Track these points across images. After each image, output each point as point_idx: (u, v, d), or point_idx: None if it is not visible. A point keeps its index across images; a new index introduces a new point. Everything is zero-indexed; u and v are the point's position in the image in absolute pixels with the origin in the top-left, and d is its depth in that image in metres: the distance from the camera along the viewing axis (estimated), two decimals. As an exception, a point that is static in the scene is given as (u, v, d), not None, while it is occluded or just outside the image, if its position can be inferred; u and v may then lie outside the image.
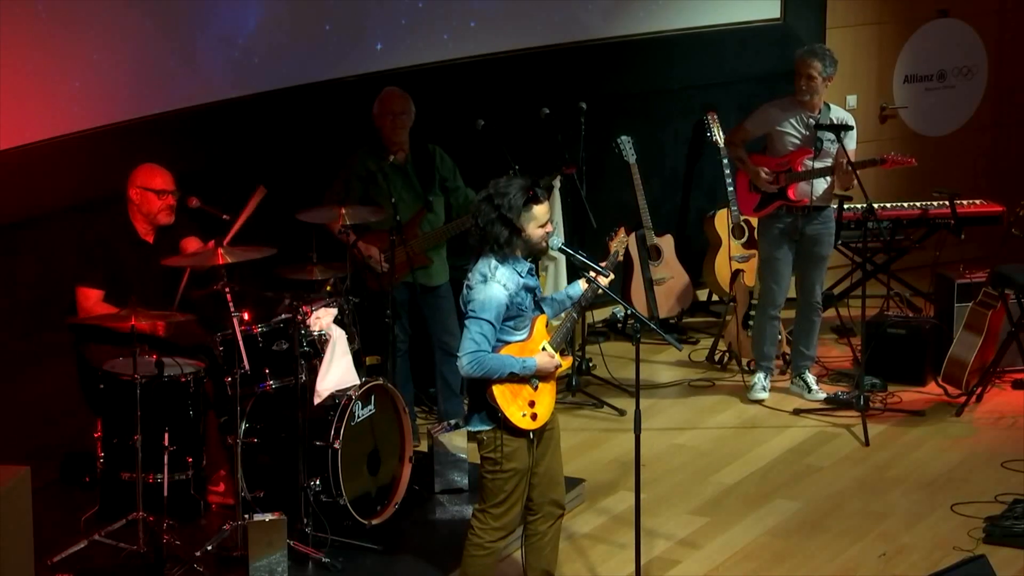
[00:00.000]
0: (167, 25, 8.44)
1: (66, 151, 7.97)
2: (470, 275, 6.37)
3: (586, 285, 6.60)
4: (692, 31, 10.99)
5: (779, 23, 11.30)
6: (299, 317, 7.33)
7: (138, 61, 8.30)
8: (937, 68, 11.90)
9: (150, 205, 7.74)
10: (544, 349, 6.42)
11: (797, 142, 9.15)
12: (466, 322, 6.31)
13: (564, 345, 6.54)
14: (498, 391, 6.32)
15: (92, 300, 7.57)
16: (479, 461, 6.54)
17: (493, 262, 6.33)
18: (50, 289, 7.93)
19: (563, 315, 6.62)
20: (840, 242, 10.17)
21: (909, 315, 10.25)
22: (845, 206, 9.72)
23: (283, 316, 7.49)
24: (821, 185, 9.12)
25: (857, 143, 9.33)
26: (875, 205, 9.33)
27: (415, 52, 9.64)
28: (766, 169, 9.16)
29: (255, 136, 8.92)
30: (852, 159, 9.01)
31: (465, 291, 6.37)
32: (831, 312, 10.46)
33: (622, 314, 10.59)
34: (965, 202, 10.38)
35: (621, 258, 6.84)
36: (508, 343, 6.36)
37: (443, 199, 8.59)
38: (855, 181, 8.95)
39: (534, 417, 6.40)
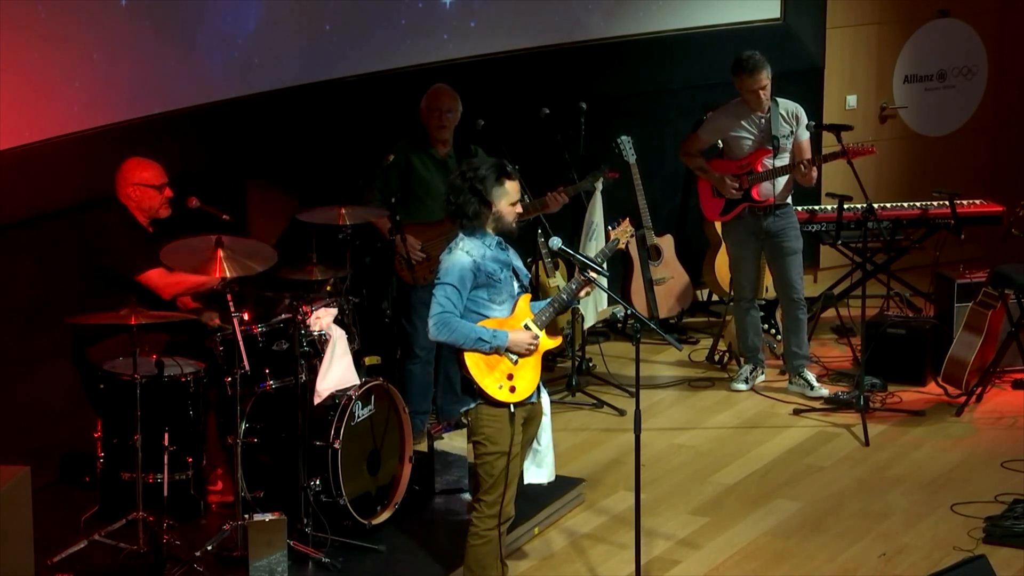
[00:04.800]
0: (167, 25, 8.43)
1: (66, 151, 7.96)
2: None
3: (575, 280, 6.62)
4: (692, 31, 11.00)
5: (779, 23, 11.30)
6: (299, 317, 7.33)
7: (138, 61, 8.30)
8: (937, 68, 11.90)
9: (151, 200, 7.72)
10: (526, 327, 6.44)
11: (753, 143, 9.20)
12: (433, 290, 6.41)
13: (559, 325, 6.54)
14: (472, 361, 6.35)
15: (158, 275, 7.52)
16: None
17: (460, 235, 6.45)
18: (50, 289, 7.93)
19: (551, 297, 6.65)
20: (840, 242, 10.20)
21: (909, 315, 10.25)
22: (845, 206, 9.75)
23: (283, 316, 7.49)
24: (781, 182, 9.18)
25: (857, 143, 9.35)
26: (875, 205, 9.36)
27: (415, 52, 9.65)
28: (730, 176, 9.22)
29: (255, 136, 8.92)
30: (807, 149, 9.14)
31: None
32: (831, 312, 10.47)
33: (622, 314, 10.59)
34: (965, 202, 10.38)
35: (622, 246, 6.84)
36: (487, 317, 6.41)
37: None
38: (816, 175, 9.16)
39: (512, 390, 6.41)
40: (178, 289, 7.58)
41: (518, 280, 6.53)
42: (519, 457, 6.58)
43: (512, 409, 6.45)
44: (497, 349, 6.37)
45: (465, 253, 6.38)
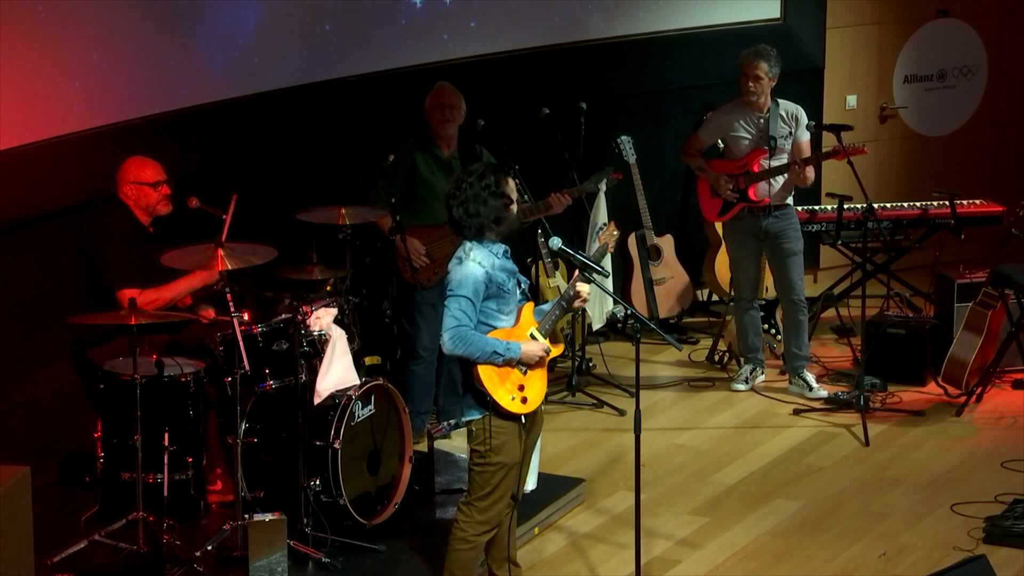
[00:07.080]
0: (167, 25, 8.44)
1: (66, 151, 7.97)
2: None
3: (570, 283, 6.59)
4: (692, 31, 11.00)
5: (779, 23, 11.30)
6: (299, 317, 7.33)
7: (138, 61, 8.31)
8: (937, 68, 11.90)
9: (148, 198, 7.75)
10: (532, 336, 6.42)
11: (750, 143, 9.21)
12: (446, 302, 6.32)
13: (558, 334, 6.54)
14: (484, 373, 6.30)
15: (136, 294, 7.48)
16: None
17: (467, 244, 6.36)
18: (50, 289, 7.93)
19: (551, 304, 6.59)
20: (840, 242, 10.20)
21: (909, 315, 10.25)
22: (845, 206, 9.75)
23: (283, 316, 7.49)
24: (779, 183, 9.19)
25: (859, 143, 9.35)
26: (875, 205, 9.36)
27: (415, 52, 9.65)
28: (726, 176, 9.24)
29: (255, 136, 8.92)
30: (807, 151, 9.17)
31: (446, 280, 6.39)
32: (831, 312, 10.47)
33: (622, 314, 10.59)
34: (965, 202, 10.38)
35: (611, 251, 6.83)
36: (495, 328, 6.36)
37: None
38: (812, 177, 9.20)
39: (524, 401, 6.38)
40: (156, 305, 7.52)
41: (519, 288, 6.51)
42: (519, 466, 6.54)
43: (524, 420, 6.44)
44: (510, 361, 6.34)
45: (477, 264, 6.30)
